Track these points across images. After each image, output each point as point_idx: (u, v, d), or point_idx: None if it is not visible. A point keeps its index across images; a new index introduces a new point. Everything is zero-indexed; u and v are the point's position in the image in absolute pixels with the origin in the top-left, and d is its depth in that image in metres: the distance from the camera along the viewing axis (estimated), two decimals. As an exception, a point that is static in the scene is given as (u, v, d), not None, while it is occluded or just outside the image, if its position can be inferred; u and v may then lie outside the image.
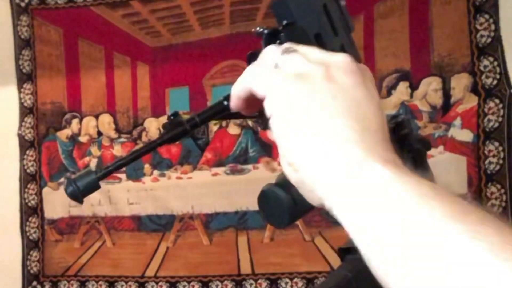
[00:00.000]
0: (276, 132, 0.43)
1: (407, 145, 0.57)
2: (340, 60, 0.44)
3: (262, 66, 0.46)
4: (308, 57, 0.44)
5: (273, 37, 0.53)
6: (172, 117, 0.54)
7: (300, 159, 0.41)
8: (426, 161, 0.58)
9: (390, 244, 0.35)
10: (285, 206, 0.48)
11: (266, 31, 0.55)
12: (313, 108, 0.41)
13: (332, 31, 0.55)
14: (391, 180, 0.37)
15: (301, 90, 0.42)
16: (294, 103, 0.42)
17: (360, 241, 0.37)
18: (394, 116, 0.59)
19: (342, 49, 0.56)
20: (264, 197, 0.50)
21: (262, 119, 0.53)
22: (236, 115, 0.60)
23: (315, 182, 0.40)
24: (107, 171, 0.51)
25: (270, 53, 0.47)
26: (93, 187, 0.50)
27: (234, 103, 0.48)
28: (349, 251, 0.57)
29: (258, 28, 0.55)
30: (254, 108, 0.49)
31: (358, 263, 0.55)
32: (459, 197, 0.36)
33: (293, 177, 0.43)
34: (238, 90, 0.47)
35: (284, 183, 0.47)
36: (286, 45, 0.47)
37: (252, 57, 0.49)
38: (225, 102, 0.54)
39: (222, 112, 0.55)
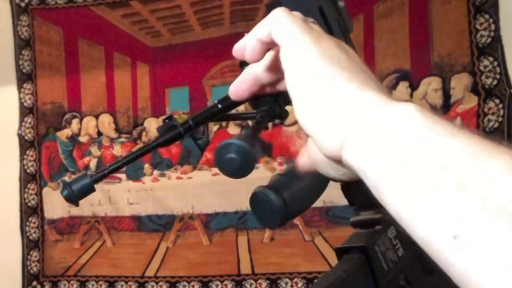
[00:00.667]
0: (289, 85, 0.44)
1: None
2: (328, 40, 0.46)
3: (288, 15, 0.46)
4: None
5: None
6: (167, 121, 0.55)
7: (316, 107, 0.42)
8: None
9: (418, 174, 0.34)
10: (276, 209, 0.48)
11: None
12: (325, 61, 0.43)
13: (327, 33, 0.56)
14: (415, 116, 0.36)
15: (314, 44, 0.44)
16: (309, 56, 0.43)
17: (380, 176, 0.36)
18: None
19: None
20: (256, 199, 0.51)
21: (261, 113, 0.53)
22: (229, 117, 0.60)
23: (332, 126, 0.40)
24: (102, 174, 0.51)
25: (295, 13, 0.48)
26: (88, 190, 0.51)
27: (251, 48, 0.48)
28: (346, 251, 0.57)
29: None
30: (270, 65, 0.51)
31: (354, 263, 0.54)
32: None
33: (307, 128, 0.44)
34: (259, 32, 0.47)
35: (276, 186, 0.48)
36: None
37: (273, 6, 0.49)
38: (219, 106, 0.54)
39: (216, 115, 0.55)
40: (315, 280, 2.26)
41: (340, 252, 0.57)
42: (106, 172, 0.52)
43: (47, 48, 2.55)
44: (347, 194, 0.59)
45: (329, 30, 0.56)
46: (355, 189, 0.57)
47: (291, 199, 0.44)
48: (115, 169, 0.52)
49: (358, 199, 0.58)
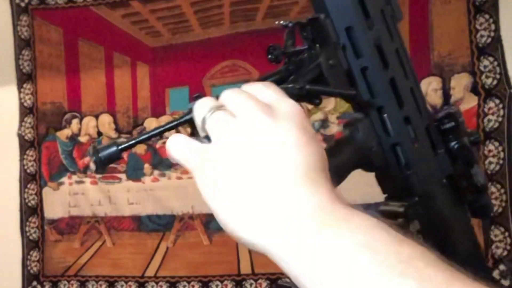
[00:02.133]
0: (209, 203, 0.46)
1: (451, 139, 0.56)
2: (247, 112, 0.44)
3: (186, 139, 0.49)
4: (231, 109, 0.45)
5: (299, 29, 0.54)
6: (197, 98, 0.55)
7: (230, 220, 0.44)
8: (473, 154, 0.57)
9: None
10: None
11: (290, 24, 0.55)
12: (231, 171, 0.42)
13: (365, 24, 0.54)
14: (320, 235, 0.37)
15: (223, 153, 0.43)
16: (217, 171, 0.44)
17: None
18: (445, 108, 0.58)
19: (376, 43, 0.55)
20: None
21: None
22: None
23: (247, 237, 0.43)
24: (129, 144, 0.53)
25: (199, 111, 0.48)
26: (115, 157, 0.53)
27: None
28: None
29: (283, 22, 0.55)
30: None
31: None
32: (390, 234, 0.36)
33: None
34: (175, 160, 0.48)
35: None
36: (220, 99, 0.48)
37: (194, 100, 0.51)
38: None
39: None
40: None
41: None
42: (133, 143, 0.53)
43: (47, 48, 2.55)
44: (381, 182, 0.58)
45: (368, 21, 0.55)
46: (388, 178, 0.56)
47: None
48: (143, 140, 0.54)
49: (390, 189, 0.57)
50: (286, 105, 0.45)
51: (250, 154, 0.42)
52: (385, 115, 0.55)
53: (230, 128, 0.44)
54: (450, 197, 0.56)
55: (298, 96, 0.50)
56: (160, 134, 0.55)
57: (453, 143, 0.56)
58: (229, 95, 0.47)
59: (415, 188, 0.54)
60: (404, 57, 0.58)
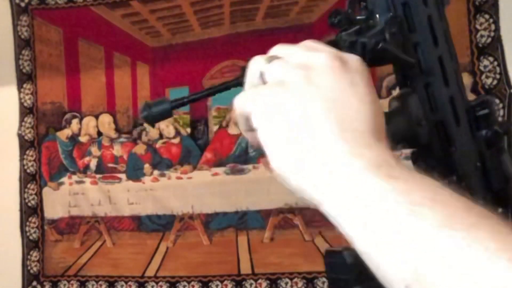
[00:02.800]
0: (263, 145, 0.42)
1: (485, 125, 0.57)
2: (321, 60, 0.43)
3: (246, 85, 0.46)
4: (289, 62, 0.43)
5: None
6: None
7: (285, 169, 0.41)
8: (503, 144, 0.58)
9: (383, 253, 0.35)
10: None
11: None
12: (292, 115, 0.41)
13: (422, 1, 0.56)
14: (379, 188, 0.36)
15: (279, 98, 0.42)
16: (274, 113, 0.42)
17: (354, 242, 0.38)
18: (480, 96, 0.59)
19: (429, 20, 0.56)
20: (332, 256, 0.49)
21: None
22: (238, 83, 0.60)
23: (301, 187, 0.41)
24: (181, 102, 0.53)
25: (254, 66, 0.46)
26: (165, 114, 0.53)
27: (242, 129, 0.47)
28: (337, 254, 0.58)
29: None
30: None
31: (346, 267, 0.54)
32: (453, 196, 0.35)
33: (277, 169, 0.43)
34: (236, 116, 0.47)
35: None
36: (271, 52, 0.47)
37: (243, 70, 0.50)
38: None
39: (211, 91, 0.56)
40: (317, 281, 2.26)
41: (329, 255, 0.58)
42: (185, 101, 0.54)
43: (47, 48, 2.55)
44: (419, 161, 0.58)
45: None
46: (429, 157, 0.56)
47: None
48: (195, 99, 0.54)
49: (428, 169, 0.58)
50: (355, 60, 0.44)
51: (315, 97, 0.41)
52: (432, 92, 0.56)
53: (293, 71, 0.42)
54: (482, 181, 0.57)
55: (371, 52, 0.50)
56: (211, 95, 0.54)
57: (485, 130, 0.57)
58: (286, 49, 0.45)
59: (456, 166, 0.55)
60: (449, 39, 0.59)
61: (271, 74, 0.44)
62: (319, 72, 0.42)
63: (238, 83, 0.52)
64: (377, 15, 0.54)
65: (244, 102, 0.45)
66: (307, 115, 0.40)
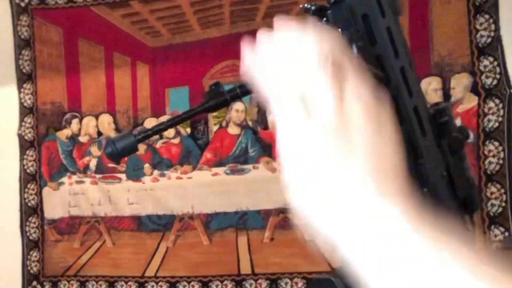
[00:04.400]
0: (285, 173, 0.41)
1: (446, 133, 0.57)
2: (359, 94, 0.39)
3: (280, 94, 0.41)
4: (324, 91, 0.40)
5: (319, 14, 0.53)
6: (213, 87, 0.54)
7: (307, 208, 0.39)
8: (463, 150, 0.58)
9: None
10: None
11: (313, 8, 0.53)
12: (322, 147, 0.38)
13: (380, 12, 0.54)
14: (409, 231, 0.35)
15: (309, 128, 0.39)
16: (301, 143, 0.39)
17: None
18: (436, 103, 0.58)
19: (388, 32, 0.54)
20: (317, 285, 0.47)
21: None
22: None
23: (323, 226, 0.39)
24: (146, 134, 0.51)
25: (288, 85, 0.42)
26: (131, 149, 0.51)
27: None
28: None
29: (306, 4, 0.54)
30: None
31: None
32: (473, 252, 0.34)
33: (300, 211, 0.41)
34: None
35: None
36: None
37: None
38: None
39: None
40: (315, 280, 2.25)
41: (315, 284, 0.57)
42: (150, 133, 0.52)
43: (47, 48, 2.55)
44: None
45: (381, 9, 0.54)
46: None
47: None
48: (160, 130, 0.53)
49: None
50: (385, 96, 0.41)
51: (346, 135, 0.38)
52: (397, 104, 0.55)
53: (331, 103, 0.39)
54: (448, 189, 0.57)
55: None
56: (174, 125, 0.53)
57: (446, 138, 0.57)
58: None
59: (425, 178, 0.55)
60: (407, 48, 0.59)
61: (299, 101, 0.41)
62: (353, 107, 0.39)
63: (197, 112, 0.52)
64: (339, 30, 0.53)
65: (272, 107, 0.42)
66: (338, 155, 0.38)
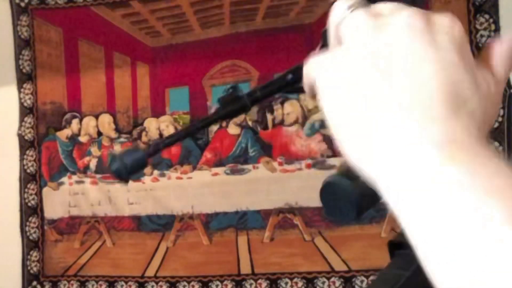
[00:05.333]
0: (327, 116, 0.37)
1: None
2: (401, 18, 0.36)
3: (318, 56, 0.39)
4: (367, 19, 0.37)
5: None
6: (230, 90, 0.51)
7: (348, 145, 0.36)
8: None
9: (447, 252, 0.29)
10: (353, 198, 0.41)
11: None
12: (353, 85, 0.35)
13: None
14: (442, 177, 0.30)
15: (341, 63, 0.36)
16: (335, 81, 0.36)
17: (415, 239, 0.31)
18: None
19: None
20: (329, 188, 0.41)
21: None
22: (299, 89, 0.55)
23: (365, 166, 0.35)
24: (157, 148, 0.48)
25: (335, 11, 0.39)
26: (141, 164, 0.47)
27: (308, 93, 0.42)
28: (400, 246, 0.51)
29: None
30: None
31: (411, 260, 0.47)
32: None
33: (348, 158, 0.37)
34: (305, 81, 0.41)
35: (348, 173, 0.41)
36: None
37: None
38: (289, 76, 0.48)
39: (286, 87, 0.50)
40: (317, 281, 2.25)
41: (393, 247, 0.52)
42: (161, 146, 0.48)
43: (47, 48, 2.55)
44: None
45: None
46: None
47: (367, 188, 0.38)
48: (170, 143, 0.49)
49: None
50: (447, 22, 0.37)
51: (386, 63, 0.35)
52: None
53: (370, 31, 0.36)
54: None
55: None
56: (187, 136, 0.49)
57: None
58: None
59: None
60: None
61: (346, 28, 0.38)
62: (394, 30, 0.36)
63: (214, 120, 0.49)
64: None
65: (311, 67, 0.39)
66: (369, 83, 0.35)
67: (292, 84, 0.49)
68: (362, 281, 2.21)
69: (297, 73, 0.50)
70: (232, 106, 0.49)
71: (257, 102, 0.50)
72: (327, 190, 0.42)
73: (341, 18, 0.38)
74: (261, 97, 0.50)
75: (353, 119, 0.35)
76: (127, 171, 0.46)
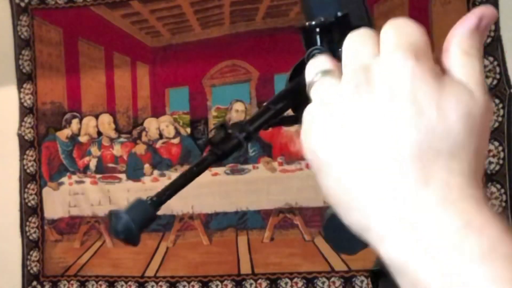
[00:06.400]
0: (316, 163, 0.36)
1: None
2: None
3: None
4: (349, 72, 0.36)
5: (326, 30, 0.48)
6: (218, 129, 0.47)
7: (341, 201, 0.35)
8: None
9: None
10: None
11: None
12: (363, 131, 0.33)
13: (368, 22, 0.50)
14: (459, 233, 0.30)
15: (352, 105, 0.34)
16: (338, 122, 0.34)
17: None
18: None
19: None
20: (334, 221, 0.39)
21: None
22: (294, 121, 0.51)
23: (359, 220, 0.34)
24: (162, 199, 0.44)
25: (308, 71, 0.39)
26: (151, 218, 0.42)
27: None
28: (383, 274, 0.52)
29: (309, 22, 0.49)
30: None
31: None
32: None
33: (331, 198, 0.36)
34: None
35: None
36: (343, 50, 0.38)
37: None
38: (279, 105, 0.46)
39: (276, 117, 0.47)
40: (317, 281, 2.25)
41: (375, 276, 0.50)
42: (164, 199, 0.44)
43: (47, 48, 2.55)
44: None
45: (368, 19, 0.50)
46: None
47: None
48: (171, 194, 0.45)
49: None
50: (386, 65, 0.34)
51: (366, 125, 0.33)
52: None
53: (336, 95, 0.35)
54: None
55: None
56: (186, 184, 0.45)
57: None
58: (353, 47, 0.37)
59: None
60: None
61: (315, 94, 0.37)
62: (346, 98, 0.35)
63: (216, 160, 0.46)
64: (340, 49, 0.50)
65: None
66: (383, 134, 0.33)
67: (278, 115, 0.47)
68: (362, 281, 2.21)
69: (288, 100, 0.47)
70: (225, 146, 0.46)
71: (251, 138, 0.47)
72: (331, 223, 0.40)
73: (311, 81, 0.38)
74: (253, 132, 0.47)
75: (359, 173, 0.34)
76: (138, 229, 0.41)
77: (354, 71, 0.35)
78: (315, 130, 0.35)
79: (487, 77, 2.08)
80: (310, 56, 0.46)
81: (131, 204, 0.42)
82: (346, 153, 0.34)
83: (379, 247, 0.33)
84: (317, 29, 0.48)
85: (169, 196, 0.44)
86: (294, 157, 2.29)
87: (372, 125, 0.33)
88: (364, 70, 0.35)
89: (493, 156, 2.07)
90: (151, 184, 2.44)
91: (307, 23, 0.48)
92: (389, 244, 0.32)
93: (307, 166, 2.29)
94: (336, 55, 0.45)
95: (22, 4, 2.55)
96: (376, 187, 0.33)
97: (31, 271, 2.54)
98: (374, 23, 0.51)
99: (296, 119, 0.47)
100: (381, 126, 0.33)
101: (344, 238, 0.39)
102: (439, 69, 0.35)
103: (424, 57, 0.34)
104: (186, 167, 2.38)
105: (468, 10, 2.09)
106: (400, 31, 0.35)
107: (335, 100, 0.35)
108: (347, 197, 0.34)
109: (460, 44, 0.35)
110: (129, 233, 0.40)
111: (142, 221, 0.41)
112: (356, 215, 0.34)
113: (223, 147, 0.46)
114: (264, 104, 0.48)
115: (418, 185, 0.31)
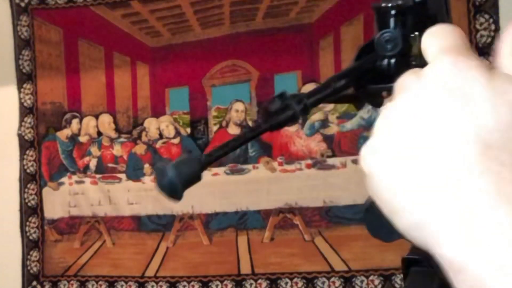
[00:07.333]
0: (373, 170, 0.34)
1: None
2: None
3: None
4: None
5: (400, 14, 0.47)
6: (276, 99, 0.46)
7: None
8: None
9: None
10: None
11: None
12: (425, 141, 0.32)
13: (446, 12, 0.50)
14: None
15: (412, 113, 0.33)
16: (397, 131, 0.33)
17: None
18: None
19: None
20: (374, 209, 0.38)
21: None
22: (351, 99, 0.51)
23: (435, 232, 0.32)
24: (212, 159, 0.44)
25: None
26: (197, 177, 0.42)
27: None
28: (415, 262, 0.49)
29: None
30: None
31: (431, 278, 0.46)
32: None
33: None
34: None
35: None
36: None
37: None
38: (341, 82, 0.46)
39: (335, 94, 0.47)
40: (317, 281, 2.25)
41: (408, 264, 0.49)
42: (213, 158, 0.45)
43: (47, 48, 2.55)
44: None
45: (447, 9, 0.50)
46: None
47: None
48: (224, 153, 0.45)
49: None
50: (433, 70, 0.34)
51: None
52: None
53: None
54: None
55: None
56: (238, 147, 0.46)
57: None
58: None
59: None
60: None
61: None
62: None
63: (262, 131, 0.45)
64: (417, 33, 0.49)
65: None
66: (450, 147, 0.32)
67: (339, 92, 0.46)
68: (362, 281, 2.21)
69: (351, 78, 0.47)
70: (280, 116, 0.46)
71: (307, 112, 0.47)
72: (373, 208, 0.39)
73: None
74: (310, 106, 0.47)
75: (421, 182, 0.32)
76: (182, 185, 0.41)
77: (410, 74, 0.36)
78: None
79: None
80: (382, 38, 0.46)
81: (180, 158, 0.42)
82: (403, 152, 0.33)
83: (434, 244, 0.31)
84: (392, 12, 0.47)
85: (219, 157, 0.44)
86: (294, 157, 2.29)
87: (434, 122, 0.33)
88: (417, 76, 0.35)
89: None
90: (151, 184, 2.44)
91: (383, 4, 0.48)
92: (446, 242, 0.31)
93: (307, 166, 2.29)
94: (408, 41, 0.44)
95: (22, 4, 2.55)
96: (434, 182, 0.32)
97: (31, 271, 2.54)
98: (451, 17, 0.51)
99: (355, 98, 0.47)
100: (442, 123, 0.32)
101: (383, 226, 0.38)
102: (487, 63, 0.35)
103: (467, 52, 0.35)
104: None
105: (468, 10, 2.09)
106: (440, 37, 0.36)
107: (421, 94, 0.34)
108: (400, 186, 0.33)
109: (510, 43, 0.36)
110: (173, 189, 0.41)
111: (187, 178, 0.41)
112: (410, 208, 0.33)
113: (278, 117, 0.46)
114: (326, 79, 0.47)
115: (477, 180, 0.30)
